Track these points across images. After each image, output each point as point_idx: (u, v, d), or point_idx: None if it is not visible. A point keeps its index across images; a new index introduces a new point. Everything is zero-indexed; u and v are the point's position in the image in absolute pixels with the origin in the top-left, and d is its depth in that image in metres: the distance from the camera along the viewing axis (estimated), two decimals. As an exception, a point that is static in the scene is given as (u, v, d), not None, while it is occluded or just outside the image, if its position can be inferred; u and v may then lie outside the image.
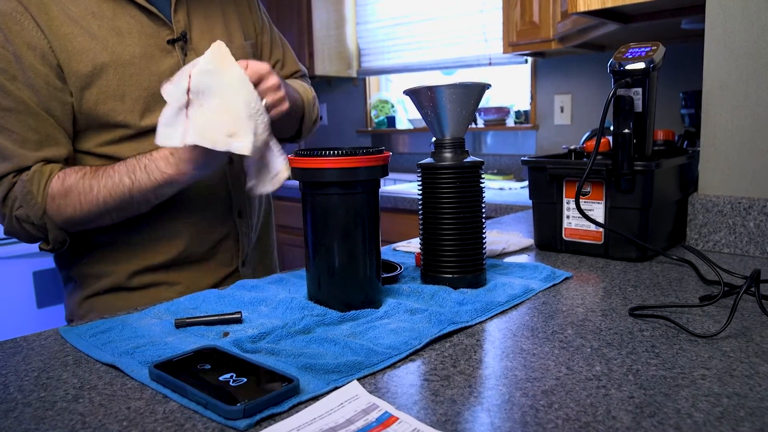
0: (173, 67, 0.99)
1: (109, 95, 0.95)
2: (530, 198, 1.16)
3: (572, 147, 1.22)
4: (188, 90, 0.80)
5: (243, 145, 0.80)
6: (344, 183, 0.74)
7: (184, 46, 1.01)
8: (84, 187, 0.91)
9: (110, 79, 0.95)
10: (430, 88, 0.85)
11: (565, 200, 1.11)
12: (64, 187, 0.91)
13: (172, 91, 0.82)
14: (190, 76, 0.80)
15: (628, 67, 1.03)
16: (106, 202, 0.91)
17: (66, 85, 0.93)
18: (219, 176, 1.06)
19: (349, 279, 0.77)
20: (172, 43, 0.99)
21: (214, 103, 0.80)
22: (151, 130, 0.97)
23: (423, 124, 2.87)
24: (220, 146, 0.81)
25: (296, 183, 0.77)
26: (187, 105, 0.80)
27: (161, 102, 0.97)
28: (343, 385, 0.57)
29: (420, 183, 0.88)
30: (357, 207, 0.76)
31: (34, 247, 2.65)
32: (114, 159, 0.97)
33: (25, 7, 0.90)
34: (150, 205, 0.94)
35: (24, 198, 0.91)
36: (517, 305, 0.81)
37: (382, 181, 0.80)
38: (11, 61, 0.89)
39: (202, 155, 0.86)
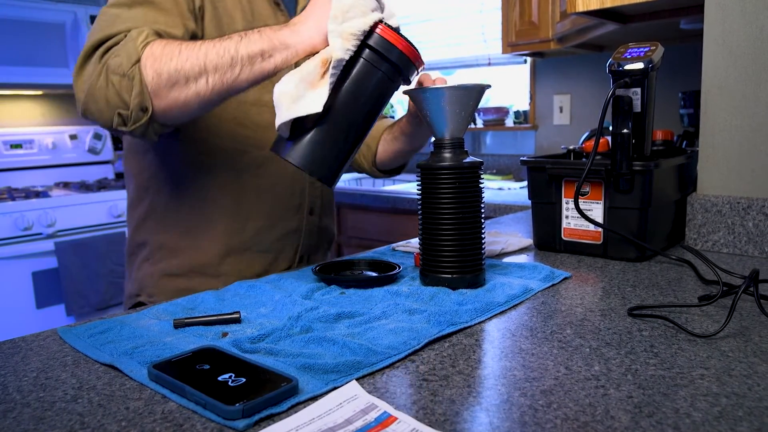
0: None
1: None
2: (529, 198, 1.16)
3: (571, 147, 1.22)
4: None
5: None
6: (378, 53, 0.80)
7: None
8: (188, 43, 0.85)
9: None
10: (429, 90, 0.85)
11: (564, 200, 1.11)
12: (168, 41, 0.86)
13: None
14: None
15: (627, 67, 1.03)
16: (207, 55, 0.82)
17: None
18: (298, 173, 1.09)
19: (329, 139, 0.80)
20: None
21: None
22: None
23: (422, 124, 2.86)
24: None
25: None
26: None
27: (264, 104, 1.04)
28: (342, 385, 0.57)
29: (419, 183, 0.88)
30: (373, 84, 0.80)
31: (34, 248, 2.63)
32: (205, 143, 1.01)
33: None
34: (251, 74, 0.83)
35: (123, 45, 0.84)
36: (516, 305, 0.81)
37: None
38: None
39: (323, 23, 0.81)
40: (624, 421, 0.50)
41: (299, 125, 0.80)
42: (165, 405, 0.55)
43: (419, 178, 0.88)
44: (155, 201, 1.06)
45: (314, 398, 0.55)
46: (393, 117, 3.48)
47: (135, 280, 1.11)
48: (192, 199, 1.04)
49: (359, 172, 1.33)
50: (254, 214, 1.07)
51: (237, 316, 0.75)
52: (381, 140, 1.23)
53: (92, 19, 2.87)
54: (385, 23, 0.81)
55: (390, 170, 1.28)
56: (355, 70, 0.80)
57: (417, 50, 0.82)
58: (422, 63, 0.85)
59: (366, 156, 1.26)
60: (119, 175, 3.34)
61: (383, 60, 0.81)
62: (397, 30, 0.81)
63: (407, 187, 2.92)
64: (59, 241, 2.50)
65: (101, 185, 2.83)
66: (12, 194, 2.57)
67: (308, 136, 0.80)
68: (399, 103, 3.58)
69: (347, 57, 0.78)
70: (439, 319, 0.73)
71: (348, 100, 0.81)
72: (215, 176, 1.04)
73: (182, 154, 1.03)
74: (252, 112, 1.04)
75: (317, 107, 0.77)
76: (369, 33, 0.79)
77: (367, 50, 0.80)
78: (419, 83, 1.00)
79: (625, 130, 1.01)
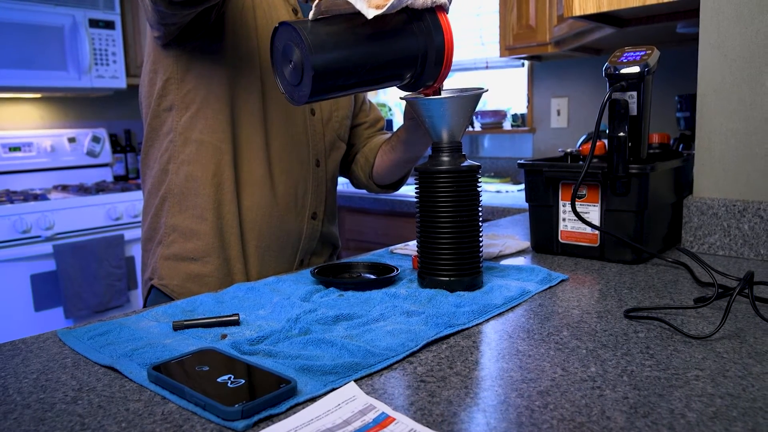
0: None
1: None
2: (527, 201, 1.17)
3: (568, 150, 1.23)
4: None
5: None
6: (427, 28, 0.81)
7: None
8: None
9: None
10: (427, 100, 0.85)
11: (561, 203, 1.11)
12: None
13: None
14: None
15: (624, 70, 1.03)
16: None
17: None
18: (304, 176, 1.11)
19: (345, 52, 0.78)
20: None
21: None
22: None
23: (420, 127, 2.87)
24: None
25: None
26: None
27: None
28: (341, 387, 0.57)
29: (417, 187, 0.89)
30: (406, 45, 0.80)
31: (33, 251, 2.63)
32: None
33: None
34: None
35: None
36: (513, 307, 0.82)
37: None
38: None
39: None
40: (620, 422, 0.50)
41: (329, 24, 0.78)
42: (165, 406, 0.55)
43: (417, 182, 0.89)
44: (173, 182, 1.06)
45: (313, 399, 0.55)
46: (390, 120, 3.48)
47: (148, 264, 1.12)
48: (205, 184, 1.05)
49: (357, 186, 1.32)
50: (258, 208, 1.08)
51: (236, 318, 0.76)
52: (379, 151, 1.23)
53: (91, 22, 2.88)
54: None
55: (387, 185, 1.28)
56: (400, 24, 0.81)
57: (451, 61, 0.83)
58: (444, 76, 0.84)
59: (364, 168, 1.26)
60: (117, 178, 3.34)
61: (428, 36, 0.81)
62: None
63: (405, 190, 2.93)
64: (58, 243, 2.51)
65: (100, 188, 2.83)
66: (10, 197, 2.57)
67: (332, 36, 0.78)
68: (396, 106, 3.59)
69: (414, 4, 0.78)
70: (437, 321, 0.73)
71: (380, 39, 0.80)
72: (227, 163, 1.05)
73: (199, 137, 1.04)
74: (271, 107, 1.07)
75: (369, 14, 0.76)
76: (431, 10, 0.81)
77: (419, 21, 0.81)
78: None
79: (621, 134, 1.02)
